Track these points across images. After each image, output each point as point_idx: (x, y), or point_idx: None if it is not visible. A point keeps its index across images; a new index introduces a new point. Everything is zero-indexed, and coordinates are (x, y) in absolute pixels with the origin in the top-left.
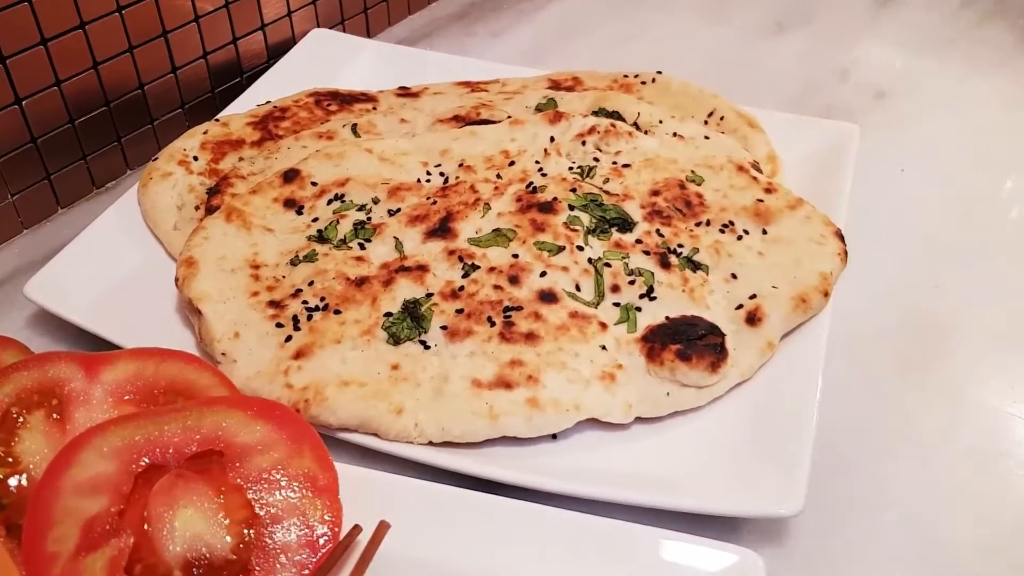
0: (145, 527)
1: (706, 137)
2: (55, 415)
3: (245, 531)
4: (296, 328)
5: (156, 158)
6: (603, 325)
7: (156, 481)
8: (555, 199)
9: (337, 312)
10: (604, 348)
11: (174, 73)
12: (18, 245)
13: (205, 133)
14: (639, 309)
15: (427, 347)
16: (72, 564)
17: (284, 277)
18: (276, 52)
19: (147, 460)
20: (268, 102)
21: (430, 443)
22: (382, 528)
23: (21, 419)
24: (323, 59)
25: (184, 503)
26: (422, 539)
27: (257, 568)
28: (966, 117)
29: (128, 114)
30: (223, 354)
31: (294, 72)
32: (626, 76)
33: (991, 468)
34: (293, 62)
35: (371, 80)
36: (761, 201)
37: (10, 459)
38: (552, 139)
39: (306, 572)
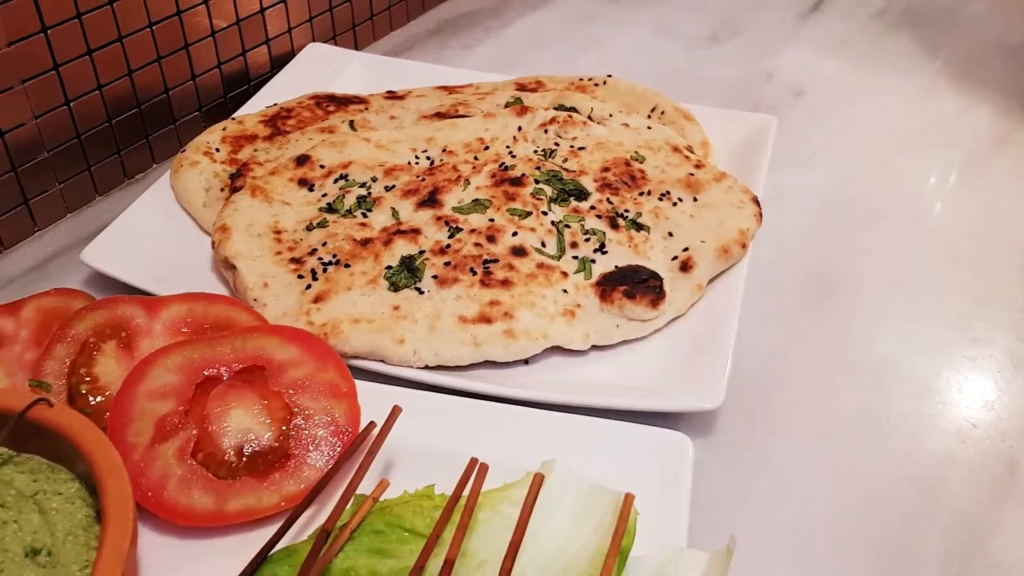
0: (205, 424)
1: (648, 127)
2: (123, 345)
3: (284, 427)
4: (314, 279)
5: (184, 150)
6: (564, 274)
7: (212, 389)
8: (523, 175)
9: (347, 266)
10: (565, 292)
11: (193, 80)
12: (64, 226)
13: (224, 129)
14: (593, 261)
15: (421, 292)
16: (149, 451)
17: (301, 240)
18: (279, 63)
19: (205, 373)
20: (275, 104)
21: (426, 367)
22: (395, 411)
23: (97, 348)
24: (319, 69)
25: (235, 405)
26: (420, 432)
27: (295, 454)
28: (871, 111)
29: (155, 115)
30: (255, 300)
31: (295, 80)
32: (581, 79)
33: (871, 381)
34: (294, 71)
35: (361, 86)
36: (692, 175)
37: (89, 378)
38: (520, 128)
39: (333, 456)
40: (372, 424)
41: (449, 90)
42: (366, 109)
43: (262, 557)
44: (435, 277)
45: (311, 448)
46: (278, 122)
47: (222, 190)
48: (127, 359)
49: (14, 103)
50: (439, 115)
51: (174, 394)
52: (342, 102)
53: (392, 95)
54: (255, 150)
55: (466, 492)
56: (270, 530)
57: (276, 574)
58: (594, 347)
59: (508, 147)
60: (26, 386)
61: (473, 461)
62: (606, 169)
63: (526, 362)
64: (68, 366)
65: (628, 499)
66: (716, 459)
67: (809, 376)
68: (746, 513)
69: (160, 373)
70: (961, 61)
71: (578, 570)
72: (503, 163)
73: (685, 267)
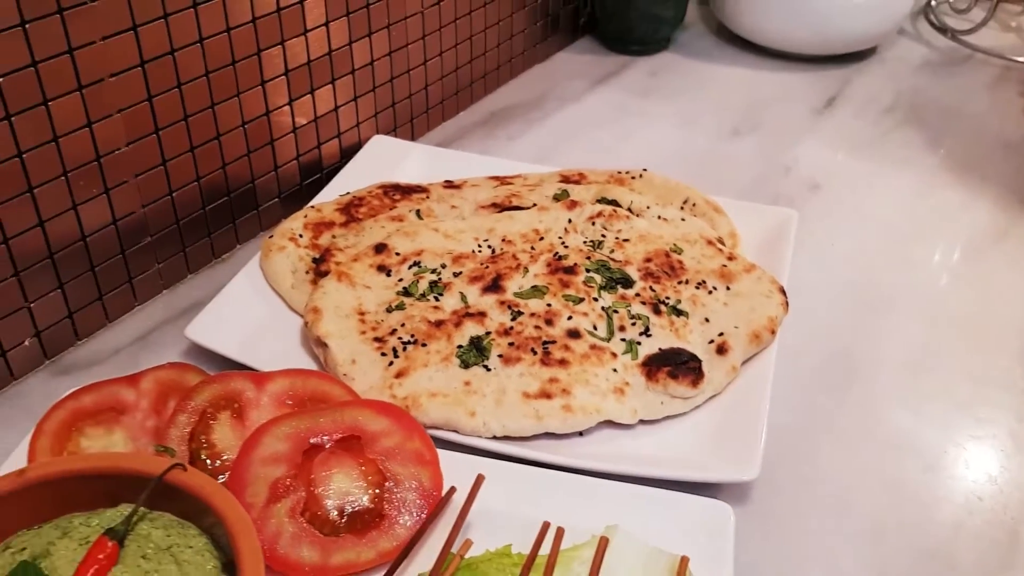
0: (311, 487)
1: (683, 219)
2: (236, 415)
3: (378, 490)
4: (395, 356)
5: (271, 236)
6: (614, 355)
7: (316, 456)
8: (575, 264)
9: (423, 345)
10: (615, 371)
11: (275, 171)
12: (160, 301)
13: (305, 216)
14: (639, 343)
15: (488, 369)
16: (264, 510)
17: (382, 321)
18: (348, 153)
19: (310, 441)
20: (348, 193)
21: (494, 437)
22: (479, 479)
23: (214, 417)
24: (383, 158)
25: (336, 470)
26: (493, 497)
27: (388, 514)
28: (883, 202)
29: (242, 201)
30: (344, 374)
31: (362, 168)
32: (619, 172)
33: (889, 456)
34: (361, 161)
35: (420, 173)
36: (725, 266)
37: (207, 445)
38: (570, 220)
39: (421, 516)
40: (453, 489)
41: (501, 180)
42: (427, 198)
43: None
44: (500, 356)
45: (402, 509)
46: (351, 209)
47: (307, 272)
48: (240, 428)
49: (127, 195)
50: (495, 205)
51: (285, 460)
52: (406, 191)
53: (450, 184)
54: (333, 236)
55: (541, 551)
56: None
57: None
58: (641, 421)
59: (560, 238)
60: (151, 450)
61: (547, 524)
62: (648, 260)
63: (580, 434)
64: (188, 433)
65: (684, 561)
66: (752, 525)
67: (833, 450)
68: (780, 573)
69: (272, 441)
70: (963, 155)
71: None
72: (557, 252)
73: (721, 350)
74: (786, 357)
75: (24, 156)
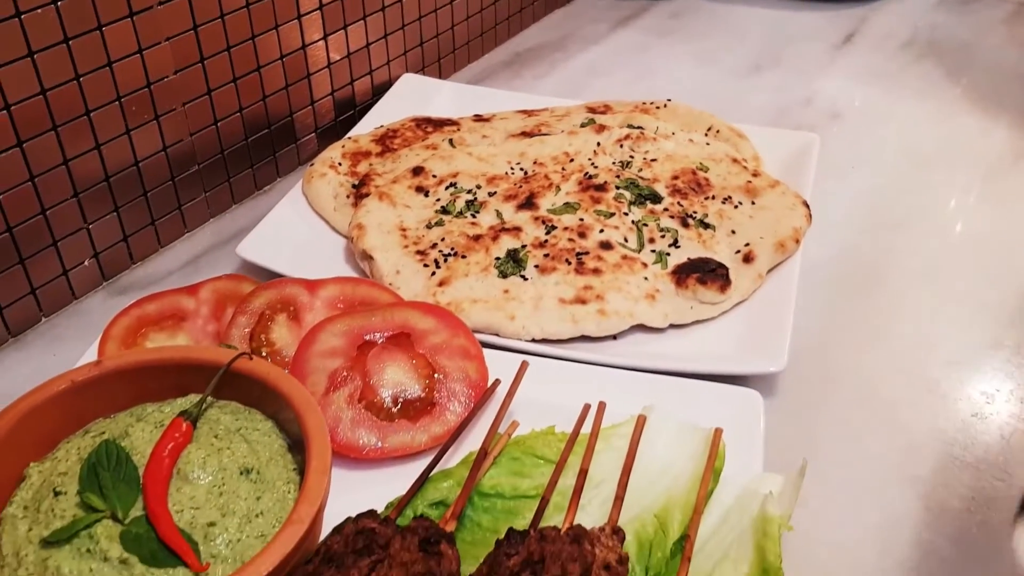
0: (366, 378)
1: (707, 143)
2: (292, 317)
3: (428, 381)
4: (437, 267)
5: (313, 164)
6: (644, 264)
7: (369, 351)
8: (605, 182)
9: (463, 257)
10: (646, 279)
11: (312, 105)
12: (208, 229)
13: (343, 147)
14: (668, 254)
15: (525, 279)
16: (324, 398)
17: (423, 236)
18: (379, 90)
19: (364, 338)
20: (382, 126)
21: (532, 340)
22: (523, 366)
23: (271, 319)
24: (414, 95)
25: (389, 363)
26: (535, 388)
27: (439, 403)
28: (902, 129)
29: (281, 135)
30: (390, 284)
31: (393, 105)
32: (644, 103)
33: (917, 358)
34: (393, 97)
35: (450, 111)
36: (750, 182)
37: (266, 343)
38: (599, 143)
39: (469, 404)
40: (497, 381)
41: (529, 113)
42: (459, 129)
43: (424, 477)
44: (536, 266)
45: (451, 398)
46: (386, 140)
47: (348, 197)
48: (296, 328)
49: (176, 123)
50: (524, 134)
51: (341, 353)
52: (438, 124)
53: (479, 118)
54: (370, 164)
55: (583, 430)
56: (421, 463)
57: (438, 488)
58: (671, 326)
59: (590, 159)
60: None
61: (587, 405)
62: (676, 177)
63: (614, 337)
64: (248, 334)
65: (718, 432)
66: (780, 415)
67: (856, 349)
68: (808, 455)
69: (328, 337)
70: (981, 87)
71: (678, 488)
72: (587, 172)
73: (747, 259)
74: (809, 268)
75: (81, 80)
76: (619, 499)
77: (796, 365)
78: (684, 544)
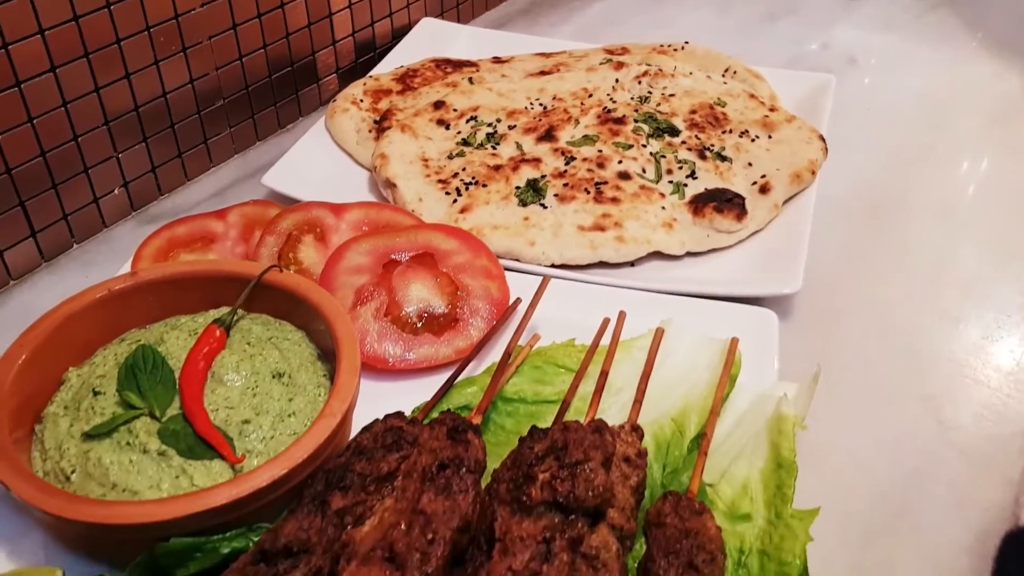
0: (392, 294)
1: (725, 81)
2: (319, 238)
3: (452, 298)
4: (459, 195)
5: (335, 100)
6: (662, 194)
7: (395, 269)
8: (624, 116)
9: (484, 186)
10: (664, 208)
11: (334, 45)
12: (233, 164)
13: (365, 84)
14: (685, 185)
15: (545, 207)
16: (352, 312)
17: (444, 166)
18: (398, 34)
19: (390, 257)
20: (402, 66)
21: (552, 265)
22: (545, 280)
23: (298, 240)
24: (433, 38)
25: (414, 280)
26: (555, 306)
27: (462, 318)
28: (917, 73)
29: (303, 74)
30: (412, 211)
31: (413, 48)
32: (662, 45)
33: (931, 287)
34: (412, 40)
35: (468, 53)
36: (767, 116)
37: (294, 262)
38: (617, 80)
39: (491, 321)
40: (519, 299)
41: (547, 55)
42: (478, 70)
43: (450, 383)
44: (556, 195)
45: (474, 315)
46: (407, 79)
47: (370, 132)
48: (322, 249)
49: (202, 56)
50: (542, 73)
51: (367, 270)
52: (457, 64)
53: (497, 59)
54: (391, 101)
55: (603, 342)
56: (445, 377)
57: (463, 393)
58: (688, 254)
59: (608, 95)
60: None
61: (607, 319)
62: (693, 112)
63: (632, 264)
64: (277, 253)
65: (734, 341)
66: (794, 337)
67: (869, 278)
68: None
69: (355, 255)
70: (998, 35)
71: (695, 394)
72: (606, 107)
73: (764, 190)
74: (824, 204)
75: (112, 8)
76: (638, 402)
77: (810, 293)
78: (700, 442)
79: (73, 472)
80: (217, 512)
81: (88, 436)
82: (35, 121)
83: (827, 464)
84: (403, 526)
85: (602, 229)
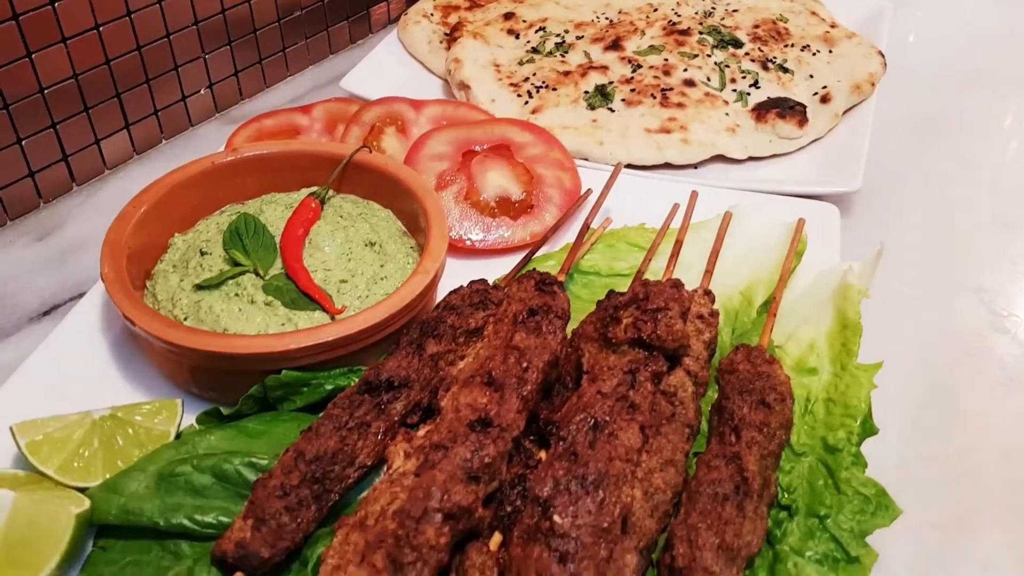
0: (470, 181)
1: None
2: (400, 130)
3: (527, 186)
4: (530, 97)
5: (407, 13)
6: (726, 102)
7: (473, 158)
8: (689, 28)
9: (554, 90)
10: (727, 115)
11: None
12: (308, 74)
13: (434, 0)
14: (749, 94)
15: (612, 111)
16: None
17: (515, 71)
18: None
19: (468, 147)
20: None
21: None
22: (617, 167)
23: (381, 131)
24: None
25: (492, 168)
26: (625, 198)
27: (537, 204)
28: (970, 8)
29: None
30: (486, 111)
31: None
32: None
33: (986, 195)
34: None
35: None
36: (828, 32)
37: (378, 150)
38: None
39: (565, 207)
40: (590, 190)
41: None
42: None
43: (529, 257)
44: (623, 100)
45: (548, 202)
46: None
47: (441, 42)
48: (404, 140)
49: None
50: None
51: (448, 157)
52: None
53: None
54: (460, 16)
55: (674, 224)
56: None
57: (542, 266)
58: (750, 158)
59: (673, 9)
60: None
61: (677, 204)
62: (756, 26)
63: (695, 167)
64: (362, 141)
65: (801, 221)
66: (855, 233)
67: (927, 188)
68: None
69: (436, 144)
70: None
71: (763, 270)
72: (671, 20)
73: (824, 100)
74: (882, 119)
75: None
76: (708, 272)
77: (868, 197)
78: (769, 305)
79: (186, 319)
80: (326, 346)
81: (199, 287)
82: (133, 16)
83: (886, 349)
84: (499, 359)
85: (668, 131)
